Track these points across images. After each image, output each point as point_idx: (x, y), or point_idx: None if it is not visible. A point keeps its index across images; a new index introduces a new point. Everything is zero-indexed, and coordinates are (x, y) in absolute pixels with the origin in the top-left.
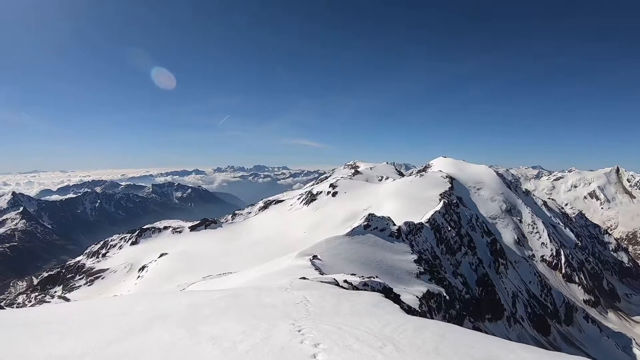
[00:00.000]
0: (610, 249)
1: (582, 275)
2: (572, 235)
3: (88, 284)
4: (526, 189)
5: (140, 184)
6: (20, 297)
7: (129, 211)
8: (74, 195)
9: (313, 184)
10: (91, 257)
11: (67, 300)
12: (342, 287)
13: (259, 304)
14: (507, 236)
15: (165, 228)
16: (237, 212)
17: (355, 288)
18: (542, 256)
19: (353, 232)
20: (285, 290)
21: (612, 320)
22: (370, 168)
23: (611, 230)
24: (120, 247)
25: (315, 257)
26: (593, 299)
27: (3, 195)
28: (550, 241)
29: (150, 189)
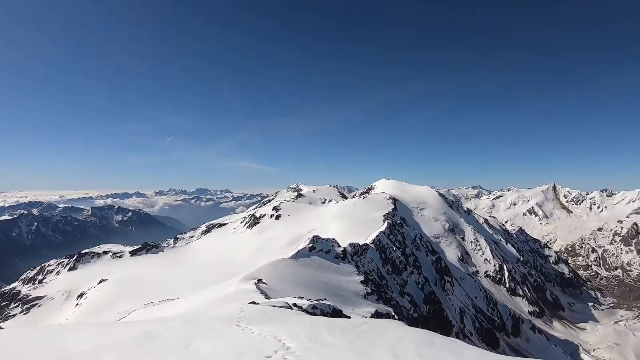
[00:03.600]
0: (551, 261)
1: (525, 288)
2: (513, 250)
3: (24, 312)
4: (468, 208)
5: (79, 206)
6: None
7: (67, 235)
8: (9, 217)
9: (256, 207)
10: (27, 284)
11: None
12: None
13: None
14: (451, 254)
15: (105, 253)
16: (179, 236)
17: (305, 311)
18: (486, 272)
19: (298, 255)
20: (236, 325)
21: (558, 329)
22: (314, 191)
23: (551, 244)
24: (58, 273)
25: (260, 280)
26: (538, 310)
27: None
28: (493, 257)
29: (90, 212)
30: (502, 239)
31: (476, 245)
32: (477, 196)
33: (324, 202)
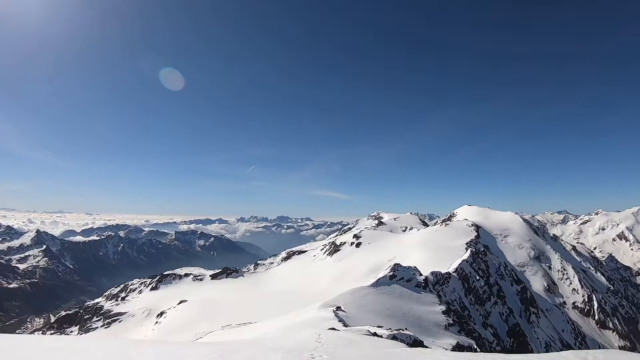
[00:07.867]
0: None
1: (616, 321)
2: (603, 279)
3: (105, 326)
4: (554, 234)
5: (163, 230)
6: (35, 333)
7: (151, 257)
8: (97, 238)
9: (336, 235)
10: (110, 300)
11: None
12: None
13: None
14: (537, 284)
15: (186, 275)
16: (259, 262)
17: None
18: (574, 303)
19: (378, 283)
20: (310, 358)
21: None
22: (394, 219)
23: None
24: (140, 292)
25: (338, 308)
26: (629, 345)
27: (27, 232)
28: (582, 287)
29: (173, 236)
30: (591, 267)
31: (563, 274)
32: (563, 221)
33: (404, 230)
